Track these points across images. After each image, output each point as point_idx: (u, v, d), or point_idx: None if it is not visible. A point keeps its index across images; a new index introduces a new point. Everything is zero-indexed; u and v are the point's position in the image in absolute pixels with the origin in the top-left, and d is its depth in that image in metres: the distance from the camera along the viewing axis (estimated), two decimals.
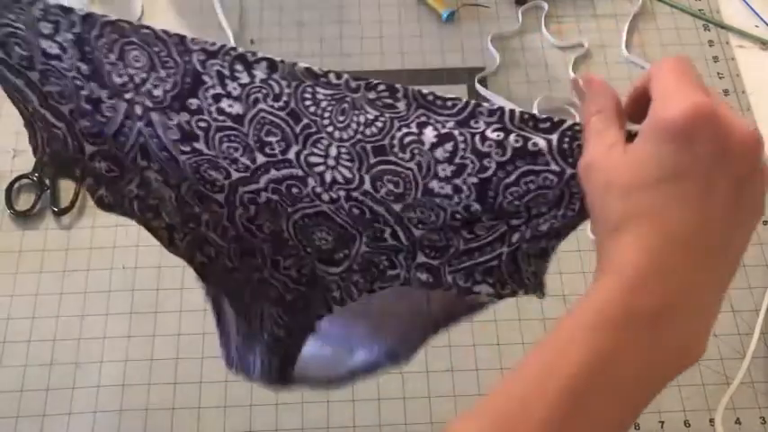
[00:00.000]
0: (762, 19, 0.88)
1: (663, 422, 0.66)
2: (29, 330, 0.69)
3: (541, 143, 0.33)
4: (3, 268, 0.72)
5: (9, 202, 0.74)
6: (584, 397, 0.26)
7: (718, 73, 0.85)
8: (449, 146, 0.34)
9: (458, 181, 0.34)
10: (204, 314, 0.70)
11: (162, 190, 0.37)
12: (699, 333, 0.27)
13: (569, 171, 0.32)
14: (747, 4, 0.89)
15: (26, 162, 0.76)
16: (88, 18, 0.34)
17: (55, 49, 0.34)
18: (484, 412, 0.29)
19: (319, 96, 0.35)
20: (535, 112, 0.79)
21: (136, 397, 0.66)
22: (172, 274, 0.72)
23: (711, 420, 0.66)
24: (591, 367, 0.26)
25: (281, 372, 0.43)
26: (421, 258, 0.36)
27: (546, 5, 0.88)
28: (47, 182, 0.75)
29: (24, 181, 0.75)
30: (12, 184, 0.75)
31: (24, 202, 0.75)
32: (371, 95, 0.34)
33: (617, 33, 0.87)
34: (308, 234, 0.37)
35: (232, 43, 0.84)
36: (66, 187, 0.75)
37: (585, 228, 0.74)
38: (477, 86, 0.82)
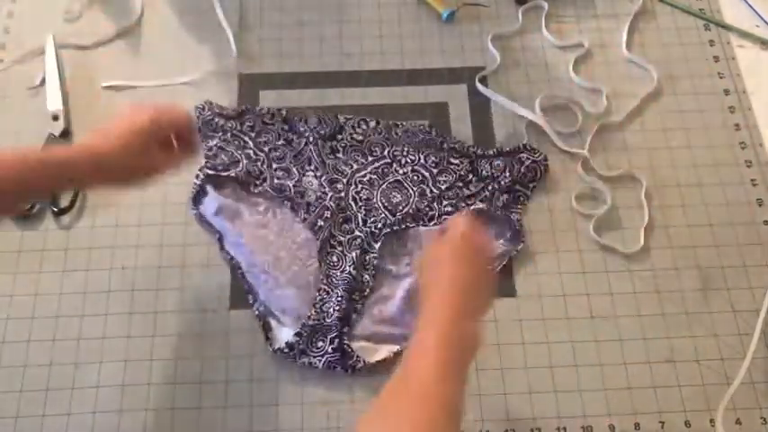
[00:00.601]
0: (762, 19, 0.88)
1: (663, 422, 0.66)
2: (28, 330, 0.69)
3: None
4: (2, 268, 0.72)
5: None
6: (444, 365, 0.49)
7: (719, 73, 0.84)
8: (459, 147, 0.77)
9: (463, 158, 0.75)
10: (204, 315, 0.70)
11: (313, 180, 0.75)
12: (477, 328, 0.53)
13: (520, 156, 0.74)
14: (748, 4, 0.89)
15: None
16: (291, 110, 0.78)
17: (268, 120, 0.77)
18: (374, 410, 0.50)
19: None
20: (536, 110, 0.79)
21: (135, 397, 0.66)
22: (171, 275, 0.72)
23: (712, 420, 0.66)
24: (444, 347, 0.50)
25: (349, 312, 0.69)
26: (444, 203, 0.74)
27: (546, 5, 0.88)
28: None
29: None
30: None
31: None
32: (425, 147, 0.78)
33: (617, 33, 0.87)
34: (388, 196, 0.74)
35: (232, 43, 0.84)
36: None
37: (587, 229, 0.74)
38: (478, 86, 0.82)
